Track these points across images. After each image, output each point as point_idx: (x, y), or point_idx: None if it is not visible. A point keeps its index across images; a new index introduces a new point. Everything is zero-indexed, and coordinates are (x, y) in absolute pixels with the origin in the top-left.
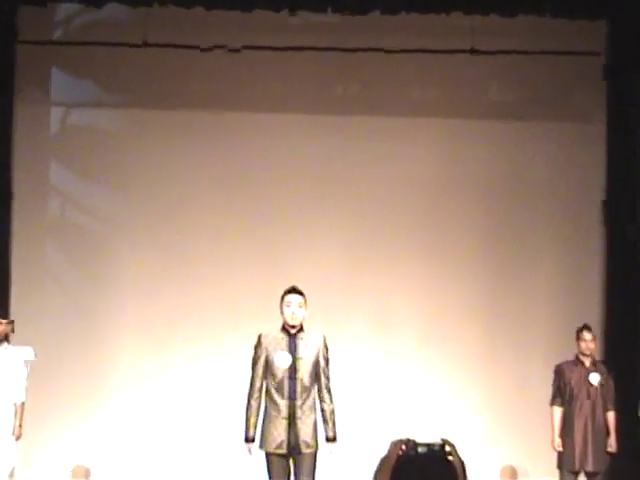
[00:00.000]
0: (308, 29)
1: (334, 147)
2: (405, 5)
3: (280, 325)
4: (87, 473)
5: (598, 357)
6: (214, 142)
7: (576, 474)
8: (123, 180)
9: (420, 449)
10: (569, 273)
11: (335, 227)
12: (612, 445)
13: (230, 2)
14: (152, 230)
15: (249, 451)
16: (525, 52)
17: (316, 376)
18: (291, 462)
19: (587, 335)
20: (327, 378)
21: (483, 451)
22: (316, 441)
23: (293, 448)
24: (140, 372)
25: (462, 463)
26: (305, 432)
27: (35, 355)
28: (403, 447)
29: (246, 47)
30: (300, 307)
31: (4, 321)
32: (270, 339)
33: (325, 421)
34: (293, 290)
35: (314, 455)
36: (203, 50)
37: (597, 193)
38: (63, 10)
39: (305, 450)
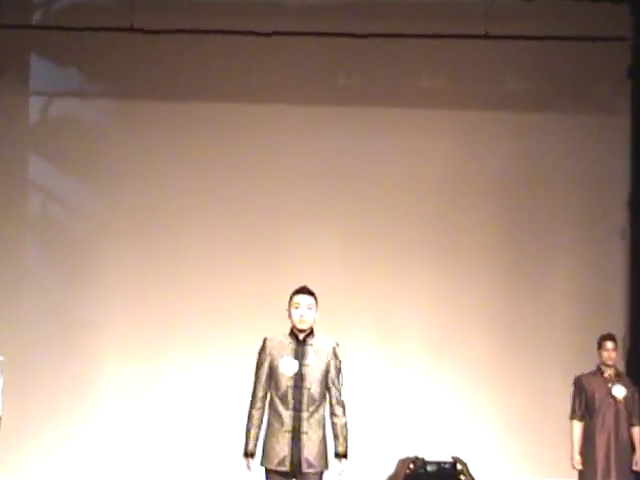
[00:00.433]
0: (306, 12)
1: (336, 141)
2: None
3: (288, 329)
4: None
5: (620, 368)
6: (206, 135)
7: None
8: (108, 175)
9: (429, 468)
10: (591, 277)
11: (337, 227)
12: (638, 463)
13: None
14: (139, 229)
15: (248, 467)
16: (543, 37)
17: (326, 387)
18: None
19: (610, 344)
20: (339, 390)
21: (497, 469)
22: (323, 461)
23: (297, 466)
24: (127, 382)
25: None
26: (309, 449)
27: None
28: (411, 466)
29: (239, 32)
30: (310, 309)
31: None
32: (276, 343)
33: (335, 435)
34: (303, 290)
35: (319, 476)
36: (194, 34)
37: (621, 190)
38: None
39: (307, 469)
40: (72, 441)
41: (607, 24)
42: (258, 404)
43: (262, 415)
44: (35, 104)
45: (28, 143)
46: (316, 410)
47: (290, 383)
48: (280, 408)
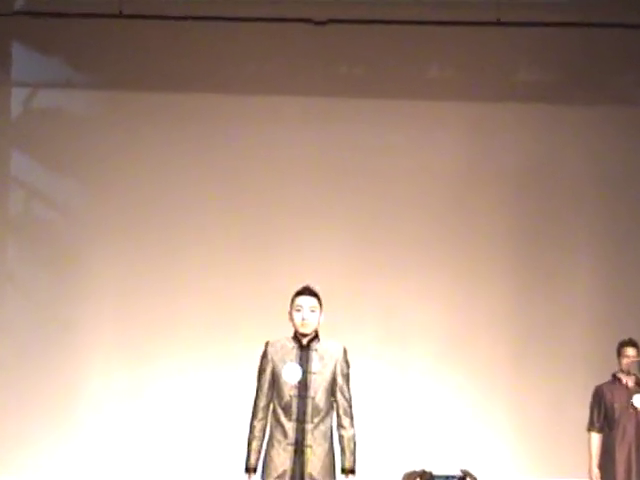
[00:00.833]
0: None
1: (337, 134)
2: None
3: (291, 333)
4: None
5: None
6: (200, 128)
7: None
8: (96, 171)
9: None
10: (611, 280)
11: (339, 224)
12: None
13: None
14: (130, 227)
15: None
16: (559, 24)
17: (333, 396)
18: None
19: (630, 351)
20: (347, 400)
21: None
22: (329, 477)
23: None
24: (116, 390)
25: None
26: (313, 464)
27: None
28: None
29: (233, 19)
30: (313, 312)
31: None
32: (278, 348)
33: (342, 449)
34: (305, 291)
35: None
36: (186, 20)
37: None
38: None
39: None
40: (59, 446)
41: (626, 10)
42: (260, 414)
43: (265, 426)
44: (18, 96)
45: (10, 137)
46: (321, 421)
47: (293, 392)
48: (283, 419)
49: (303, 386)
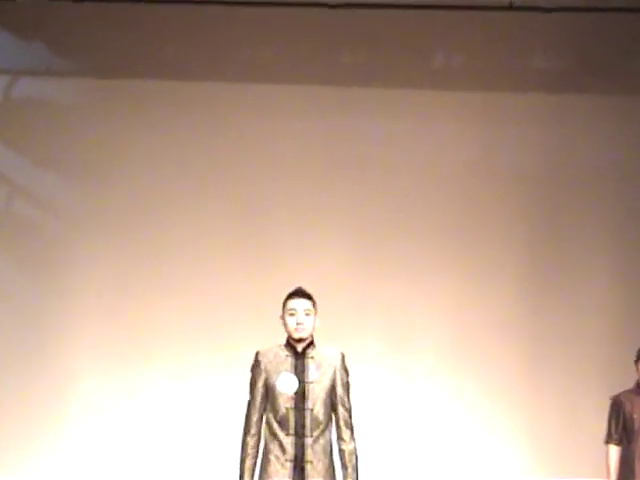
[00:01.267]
0: None
1: (340, 125)
2: None
3: (284, 340)
4: None
5: None
6: (193, 118)
7: None
8: (81, 165)
9: None
10: (630, 280)
11: (341, 222)
12: None
13: None
14: (118, 225)
15: None
16: (576, 9)
17: (332, 407)
18: None
19: None
20: (347, 410)
21: None
22: None
23: None
24: (103, 398)
25: None
26: None
27: None
28: None
29: (230, 2)
30: (308, 315)
31: None
32: (271, 357)
33: (343, 464)
34: (298, 293)
35: None
36: (180, 3)
37: None
38: None
39: None
40: (43, 455)
41: None
42: (253, 429)
43: (258, 442)
44: None
45: None
46: (321, 435)
47: (290, 404)
48: (279, 433)
49: (300, 397)
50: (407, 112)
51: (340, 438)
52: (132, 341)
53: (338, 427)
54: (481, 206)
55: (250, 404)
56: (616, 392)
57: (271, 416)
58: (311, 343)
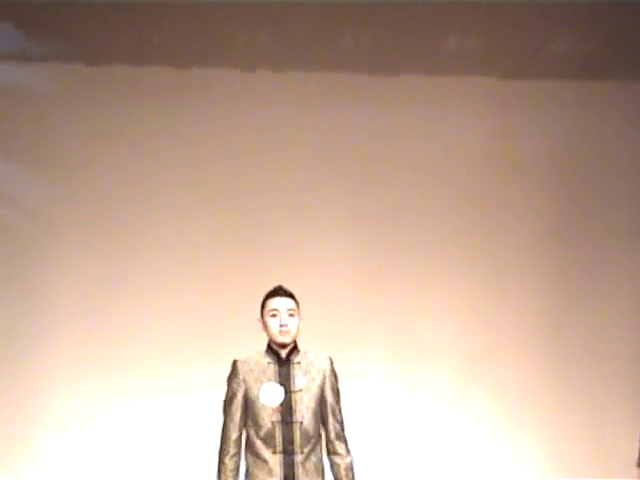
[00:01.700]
0: None
1: (341, 115)
2: None
3: (265, 346)
4: None
5: None
6: (180, 107)
7: None
8: (58, 159)
9: None
10: None
11: (345, 221)
12: None
13: None
14: (97, 226)
15: None
16: None
17: (322, 418)
18: None
19: None
20: (339, 422)
21: None
22: None
23: None
24: (81, 414)
25: None
26: None
27: None
28: None
29: None
30: (292, 315)
31: None
32: (252, 366)
33: None
34: (279, 291)
35: None
36: None
37: None
38: None
39: None
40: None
41: None
42: (232, 450)
43: (238, 464)
44: None
45: None
46: (312, 451)
47: (275, 417)
48: (264, 452)
49: (287, 409)
50: (417, 100)
51: (334, 453)
52: (112, 348)
53: (330, 441)
54: (498, 203)
55: (227, 421)
56: None
57: (253, 433)
58: (295, 348)
